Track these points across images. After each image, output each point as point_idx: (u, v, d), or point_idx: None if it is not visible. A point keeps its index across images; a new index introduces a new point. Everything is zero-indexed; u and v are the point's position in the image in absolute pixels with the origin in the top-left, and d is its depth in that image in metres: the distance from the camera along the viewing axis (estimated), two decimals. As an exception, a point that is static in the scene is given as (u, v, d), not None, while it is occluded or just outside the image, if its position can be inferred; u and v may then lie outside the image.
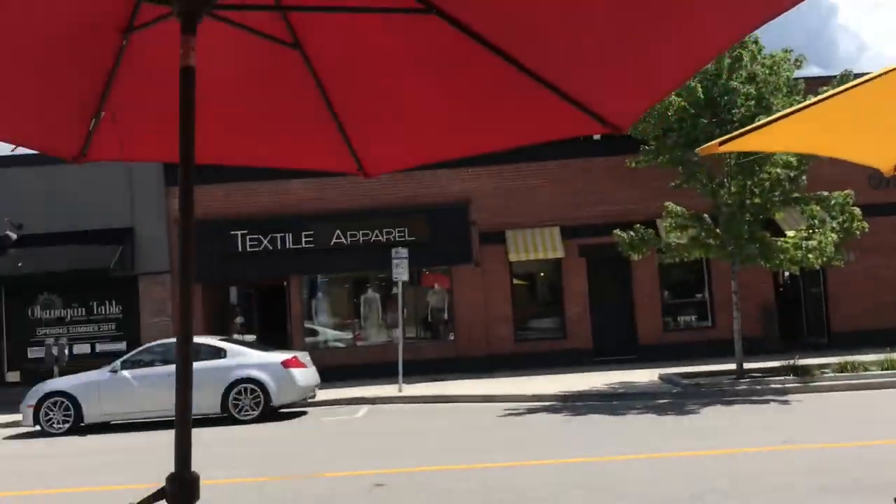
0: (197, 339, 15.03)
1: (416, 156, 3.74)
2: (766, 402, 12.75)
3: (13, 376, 18.96)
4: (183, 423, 2.18)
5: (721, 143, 2.81)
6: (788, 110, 2.89)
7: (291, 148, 3.56)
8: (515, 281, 20.08)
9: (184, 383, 2.17)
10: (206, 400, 14.04)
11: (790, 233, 15.81)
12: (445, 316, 20.29)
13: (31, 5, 2.61)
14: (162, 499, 2.14)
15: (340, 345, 20.43)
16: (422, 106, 3.22)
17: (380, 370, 18.33)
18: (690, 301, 20.06)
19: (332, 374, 18.72)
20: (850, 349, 16.68)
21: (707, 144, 2.84)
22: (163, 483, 2.22)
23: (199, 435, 12.49)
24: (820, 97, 2.94)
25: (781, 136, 3.09)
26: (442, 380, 18.01)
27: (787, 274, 21.04)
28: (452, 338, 19.92)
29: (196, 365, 13.41)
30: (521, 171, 19.78)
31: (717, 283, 19.13)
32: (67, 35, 2.75)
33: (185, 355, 2.19)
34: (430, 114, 3.26)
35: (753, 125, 2.82)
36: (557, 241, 19.33)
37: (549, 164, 19.62)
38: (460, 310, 19.79)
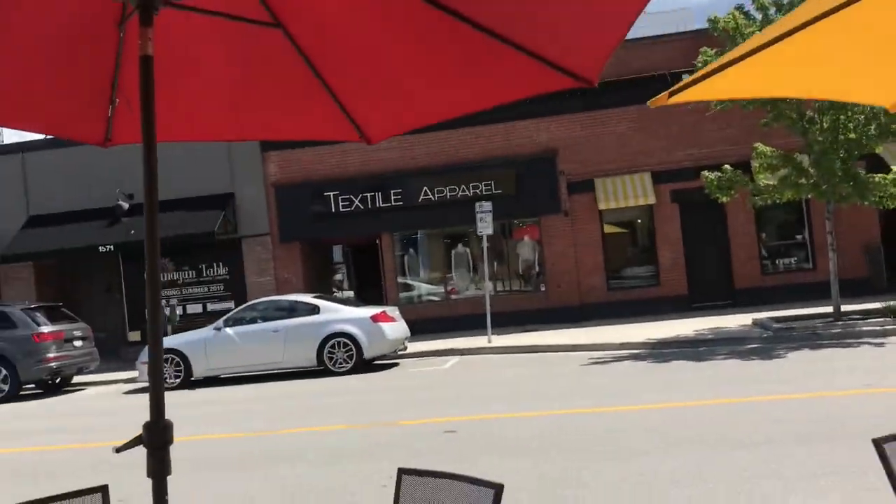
0: (292, 297, 15.82)
1: (411, 120, 3.92)
2: (860, 345, 12.31)
3: (134, 336, 20.50)
4: (156, 379, 2.46)
5: (671, 95, 2.80)
6: (752, 44, 2.81)
7: (290, 120, 3.77)
8: (606, 229, 19.89)
9: (155, 345, 2.43)
10: (303, 354, 14.81)
11: (895, 167, 14.98)
12: (536, 267, 20.39)
13: (41, 4, 2.90)
14: (140, 444, 2.42)
15: (435, 298, 20.89)
16: (406, 73, 3.39)
17: (473, 322, 18.69)
18: (790, 243, 19.36)
19: (426, 327, 19.26)
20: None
21: (657, 97, 2.84)
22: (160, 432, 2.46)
23: (296, 386, 13.36)
24: (795, 25, 2.83)
25: (749, 79, 3.00)
26: (533, 330, 18.21)
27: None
28: (543, 288, 20.03)
29: (292, 321, 14.30)
30: (609, 117, 19.45)
31: (817, 223, 18.34)
32: (76, 29, 3.05)
33: (155, 318, 2.44)
34: (414, 79, 3.42)
35: (711, 67, 2.78)
36: (648, 186, 18.99)
37: (637, 108, 19.18)
38: (551, 260, 19.83)
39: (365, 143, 3.80)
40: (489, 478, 7.25)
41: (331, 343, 14.74)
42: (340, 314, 15.01)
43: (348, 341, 14.70)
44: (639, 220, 20.22)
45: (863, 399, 8.40)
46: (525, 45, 2.94)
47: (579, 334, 16.65)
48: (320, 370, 14.87)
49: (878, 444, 3.19)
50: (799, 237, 19.25)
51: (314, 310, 15.10)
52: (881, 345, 12.22)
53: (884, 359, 11.16)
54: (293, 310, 15.17)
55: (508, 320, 19.11)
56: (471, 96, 3.51)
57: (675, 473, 6.41)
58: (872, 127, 13.47)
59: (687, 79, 2.82)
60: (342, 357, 14.75)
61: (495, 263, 20.54)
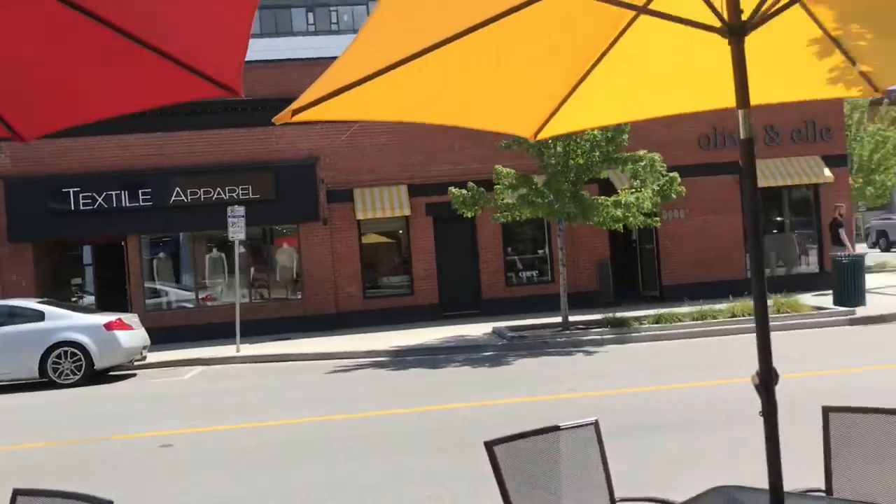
0: (13, 302, 14.47)
1: (64, 118, 3.73)
2: (578, 353, 13.41)
3: None
4: None
5: (294, 113, 2.86)
6: (382, 63, 2.90)
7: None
8: (364, 239, 20.16)
9: None
10: (23, 364, 13.57)
11: (621, 191, 16.49)
12: (294, 274, 20.21)
13: None
14: None
15: (188, 305, 20.04)
16: (47, 71, 3.23)
17: (227, 331, 18.08)
18: (533, 257, 20.71)
19: (177, 335, 18.43)
20: (679, 301, 17.54)
21: (281, 113, 2.88)
22: None
23: (14, 399, 12.11)
24: (425, 46, 2.93)
25: (382, 100, 3.11)
26: (286, 339, 18.00)
27: (639, 230, 21.96)
28: (300, 296, 19.89)
29: (11, 329, 12.94)
30: (370, 128, 19.74)
31: (556, 239, 19.75)
32: None
33: None
34: (57, 78, 3.28)
35: (335, 85, 2.85)
36: (404, 199, 19.50)
37: (397, 122, 19.62)
38: (308, 268, 19.75)
39: (17, 139, 3.61)
40: (188, 490, 7.02)
41: (57, 352, 13.62)
42: (69, 321, 13.92)
43: (77, 350, 13.66)
44: (397, 231, 20.70)
45: (560, 403, 9.13)
46: (165, 50, 2.91)
47: (331, 343, 16.70)
48: (44, 382, 13.70)
49: (489, 446, 3.45)
50: (541, 252, 20.66)
51: (39, 316, 13.88)
52: (596, 353, 13.38)
53: (594, 365, 12.22)
54: (13, 315, 13.83)
55: (264, 328, 18.77)
56: (121, 97, 3.45)
57: (372, 479, 6.58)
58: (597, 154, 14.75)
59: (310, 95, 2.87)
60: (69, 368, 13.68)
61: (252, 270, 20.13)
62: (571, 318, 15.71)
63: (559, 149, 14.93)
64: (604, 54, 3.39)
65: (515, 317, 18.13)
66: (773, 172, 20.07)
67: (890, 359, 10.63)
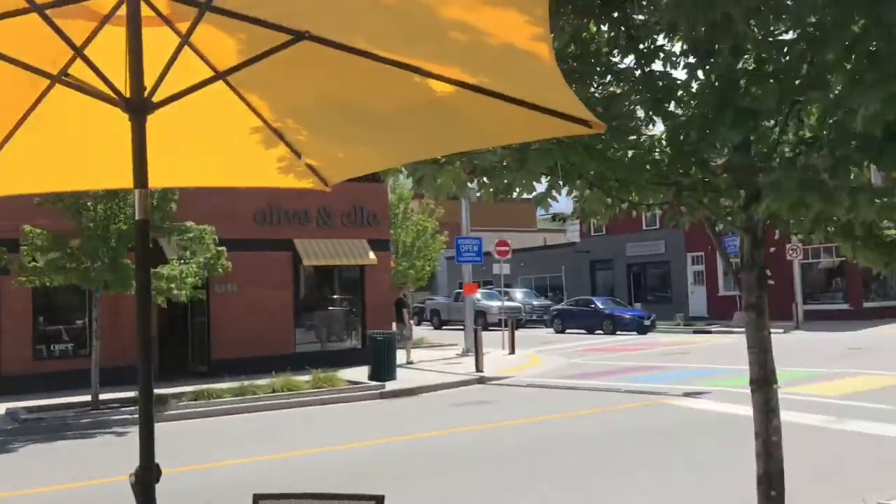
0: None
1: None
2: (106, 434, 12.31)
3: None
4: None
5: None
6: None
7: None
8: None
9: None
10: None
11: (170, 261, 15.81)
12: None
13: None
14: None
15: None
16: None
17: None
18: (70, 328, 18.78)
19: None
20: (229, 376, 17.09)
21: None
22: None
23: None
24: None
25: None
26: None
27: (192, 302, 21.20)
28: None
29: None
30: None
31: (100, 309, 18.22)
32: None
33: None
34: None
35: None
36: None
37: None
38: None
39: None
40: None
41: None
42: None
43: None
44: None
45: (57, 496, 8.15)
46: None
47: None
48: None
49: None
50: (80, 322, 18.84)
51: None
52: (126, 433, 12.38)
53: (117, 448, 11.26)
54: None
55: None
56: None
57: None
58: (141, 221, 13.98)
59: None
60: None
61: None
62: (105, 396, 14.42)
63: (99, 211, 13.90)
64: (27, 115, 3.05)
65: (43, 395, 16.06)
66: (324, 252, 21.17)
67: (389, 432, 11.59)
